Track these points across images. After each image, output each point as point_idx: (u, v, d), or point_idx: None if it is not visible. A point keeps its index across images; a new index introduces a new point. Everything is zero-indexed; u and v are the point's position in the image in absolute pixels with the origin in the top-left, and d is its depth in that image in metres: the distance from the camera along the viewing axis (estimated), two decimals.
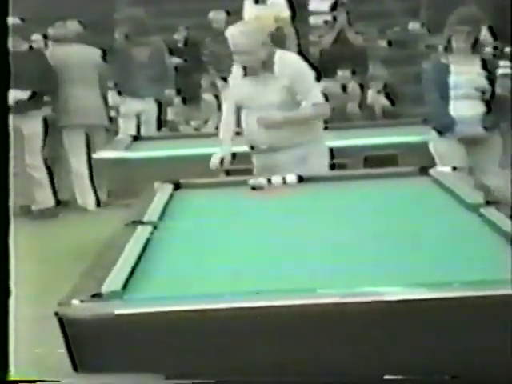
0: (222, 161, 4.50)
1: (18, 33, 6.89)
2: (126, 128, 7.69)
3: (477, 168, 5.04)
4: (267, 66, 4.43)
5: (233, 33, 4.53)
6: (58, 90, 7.26)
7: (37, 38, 7.96)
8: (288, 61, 4.49)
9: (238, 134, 4.69)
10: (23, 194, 6.90)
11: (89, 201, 7.41)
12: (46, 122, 7.22)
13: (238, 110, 4.64)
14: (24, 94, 6.88)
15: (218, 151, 4.56)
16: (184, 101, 8.77)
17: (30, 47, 7.39)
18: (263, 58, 4.42)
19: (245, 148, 4.63)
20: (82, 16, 8.32)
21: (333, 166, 4.62)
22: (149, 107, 7.82)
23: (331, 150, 4.65)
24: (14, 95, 6.37)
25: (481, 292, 2.21)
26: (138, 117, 7.81)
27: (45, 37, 7.99)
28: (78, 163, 7.42)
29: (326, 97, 4.70)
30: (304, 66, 4.52)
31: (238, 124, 4.72)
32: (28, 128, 7.06)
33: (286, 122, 4.40)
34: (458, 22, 5.11)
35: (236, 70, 4.65)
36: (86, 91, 7.35)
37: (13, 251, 2.19)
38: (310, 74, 4.50)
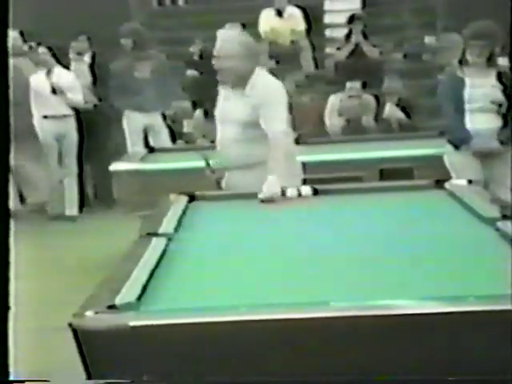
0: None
1: None
2: (133, 143, 7.72)
3: (492, 182, 5.02)
4: (242, 81, 4.31)
5: (223, 35, 4.45)
6: None
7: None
8: (263, 82, 4.33)
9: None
10: None
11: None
12: None
13: None
14: None
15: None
16: (206, 114, 8.69)
17: None
18: (242, 71, 4.30)
19: None
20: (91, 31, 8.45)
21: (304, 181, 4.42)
22: (155, 121, 7.85)
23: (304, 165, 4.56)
24: None
25: (496, 306, 2.20)
26: (145, 131, 7.85)
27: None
28: None
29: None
30: (278, 92, 4.35)
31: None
32: None
33: (278, 175, 4.11)
34: (473, 37, 5.10)
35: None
36: None
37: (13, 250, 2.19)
38: (281, 102, 4.33)
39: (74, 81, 8.14)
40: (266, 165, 4.17)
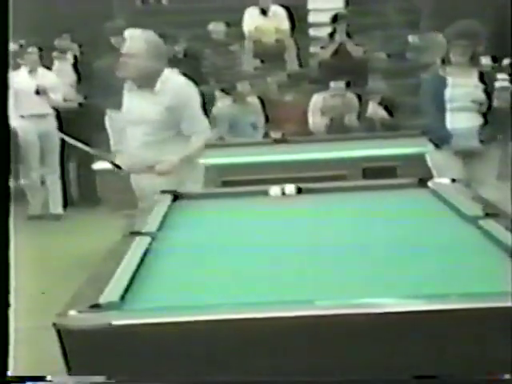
0: None
1: None
2: (116, 142, 7.72)
3: (474, 180, 5.05)
4: (149, 81, 4.29)
5: (131, 34, 4.42)
6: None
7: None
8: (176, 83, 4.35)
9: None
10: None
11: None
12: None
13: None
14: None
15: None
16: None
17: None
18: (148, 71, 4.28)
19: (241, 159, 4.64)
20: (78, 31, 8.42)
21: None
22: None
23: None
24: None
25: (478, 304, 2.21)
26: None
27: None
28: None
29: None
30: (191, 91, 4.40)
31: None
32: None
33: (182, 162, 4.33)
34: (455, 36, 5.12)
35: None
36: None
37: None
38: (197, 100, 4.39)
39: (56, 81, 8.12)
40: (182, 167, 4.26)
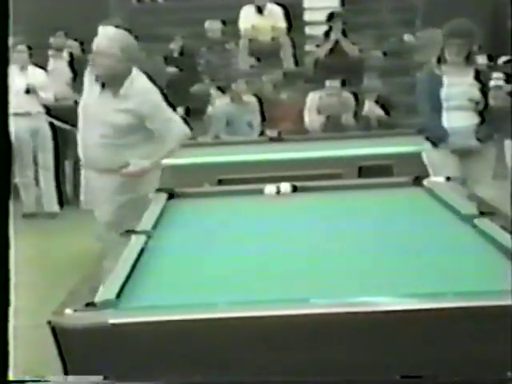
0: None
1: None
2: None
3: (470, 179, 5.06)
4: (116, 81, 4.17)
5: (105, 32, 4.32)
6: None
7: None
8: (141, 87, 4.22)
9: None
10: None
11: None
12: None
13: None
14: None
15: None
16: (187, 112, 8.57)
17: None
18: (117, 71, 4.16)
19: (237, 158, 4.62)
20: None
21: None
22: None
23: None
24: None
25: (473, 303, 2.21)
26: None
27: None
28: None
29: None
30: (156, 95, 4.27)
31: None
32: None
33: (153, 166, 4.25)
34: (450, 35, 5.12)
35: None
36: None
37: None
38: (162, 101, 4.27)
39: (46, 80, 8.11)
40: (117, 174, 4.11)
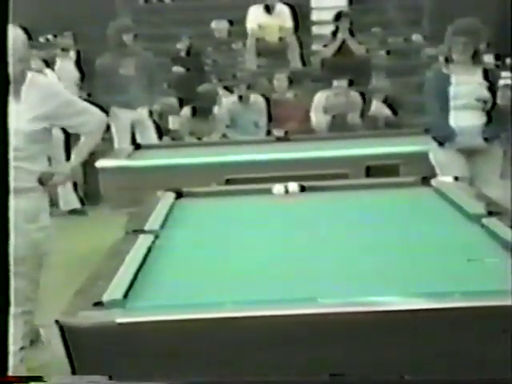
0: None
1: None
2: (120, 140, 7.72)
3: (477, 178, 5.04)
4: (16, 86, 3.48)
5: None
6: None
7: None
8: (38, 87, 3.60)
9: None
10: None
11: None
12: None
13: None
14: None
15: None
16: (194, 111, 8.51)
17: None
18: (15, 72, 3.25)
19: (244, 157, 4.60)
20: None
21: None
22: (142, 118, 7.84)
23: None
24: None
25: (482, 302, 2.21)
26: (132, 127, 7.85)
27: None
28: None
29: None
30: (59, 89, 3.83)
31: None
32: None
33: (74, 169, 3.86)
34: (455, 33, 5.11)
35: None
36: None
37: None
38: (68, 94, 3.82)
39: (57, 81, 8.12)
40: (35, 192, 3.57)
